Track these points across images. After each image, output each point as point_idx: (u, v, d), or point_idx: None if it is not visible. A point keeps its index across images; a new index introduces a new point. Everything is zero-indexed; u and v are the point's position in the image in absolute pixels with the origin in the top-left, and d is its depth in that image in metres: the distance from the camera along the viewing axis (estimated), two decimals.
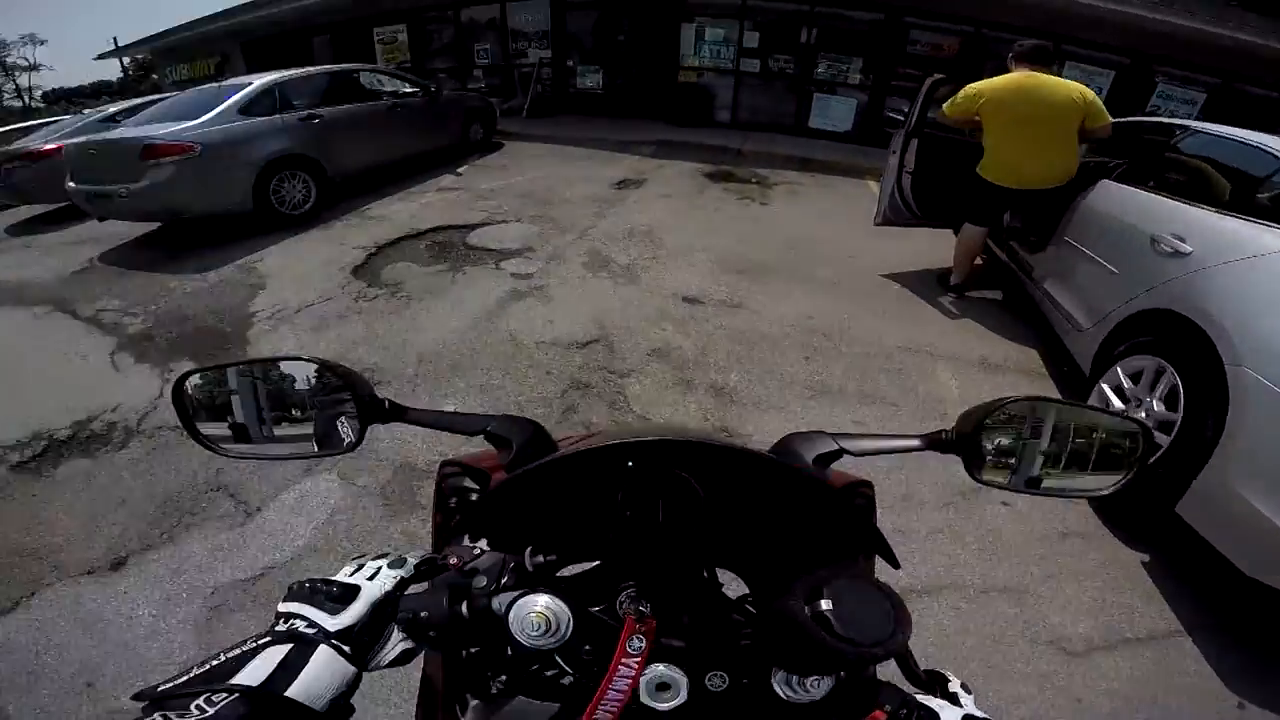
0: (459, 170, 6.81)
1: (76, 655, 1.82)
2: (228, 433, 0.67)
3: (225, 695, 0.38)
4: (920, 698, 0.47)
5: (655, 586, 0.51)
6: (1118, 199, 2.87)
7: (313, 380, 0.66)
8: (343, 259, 4.30)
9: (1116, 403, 2.28)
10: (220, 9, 13.89)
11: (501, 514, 0.54)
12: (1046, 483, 0.60)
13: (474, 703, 0.55)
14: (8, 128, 8.93)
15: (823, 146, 8.48)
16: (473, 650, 0.55)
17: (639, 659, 0.45)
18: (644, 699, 0.47)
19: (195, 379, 0.68)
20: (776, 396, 2.73)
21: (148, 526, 2.23)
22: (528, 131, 8.98)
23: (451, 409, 0.58)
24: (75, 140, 5.22)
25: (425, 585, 0.52)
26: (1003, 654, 1.71)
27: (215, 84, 5.69)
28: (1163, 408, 2.07)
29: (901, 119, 4.03)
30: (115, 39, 19.12)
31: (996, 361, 3.16)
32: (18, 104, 35.83)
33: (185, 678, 0.40)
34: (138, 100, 7.73)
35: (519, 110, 10.47)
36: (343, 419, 0.64)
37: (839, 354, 3.08)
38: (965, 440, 0.58)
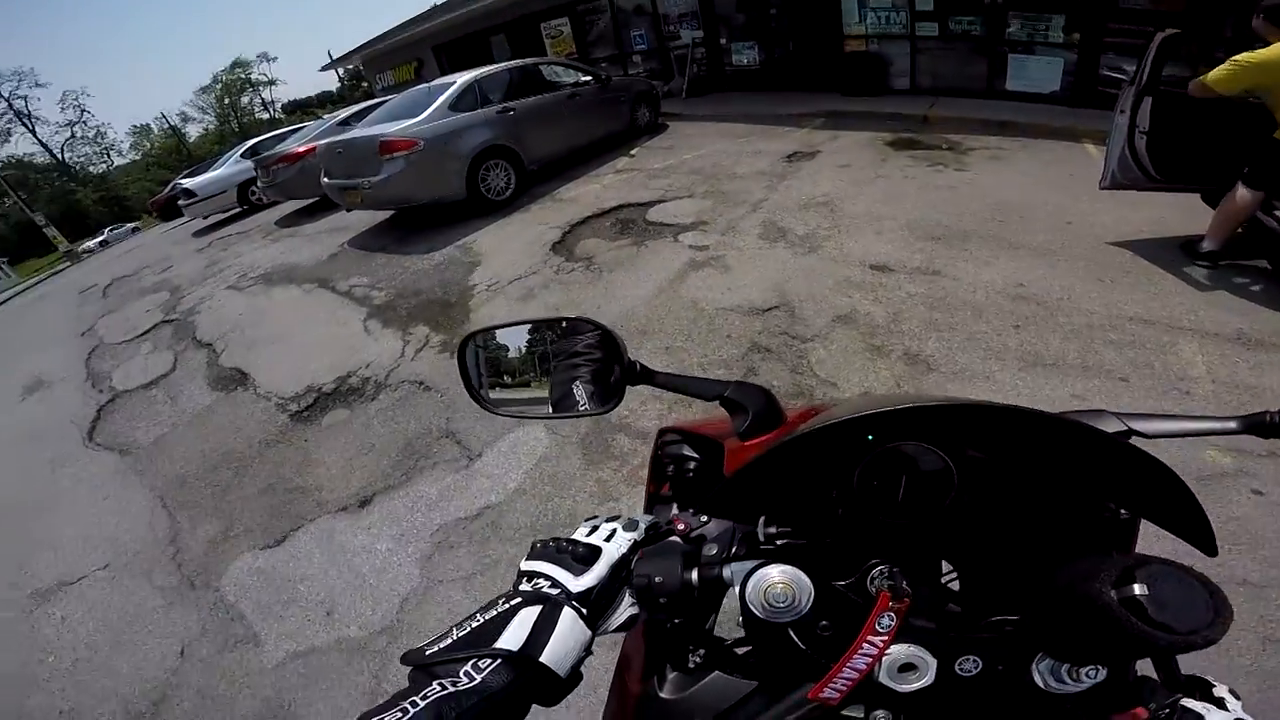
0: (631, 152, 7.31)
1: (323, 585, 2.39)
2: (501, 393, 0.75)
3: (490, 661, 0.40)
4: (1185, 701, 0.46)
5: (906, 567, 0.50)
6: None
7: (576, 339, 0.72)
8: (542, 238, 4.94)
9: None
10: (411, 16, 16.21)
11: (739, 493, 0.54)
12: None
13: (672, 675, 0.56)
14: (268, 135, 11.28)
15: (1025, 109, 7.73)
16: (676, 621, 0.56)
17: (886, 637, 0.44)
18: (882, 679, 0.47)
19: (477, 340, 0.76)
20: (981, 366, 2.70)
21: (390, 468, 2.85)
22: (689, 112, 9.30)
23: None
24: (325, 141, 6.49)
25: (654, 550, 0.54)
26: (1229, 649, 1.61)
27: (425, 85, 6.70)
28: None
29: (1125, 77, 3.70)
30: (330, 52, 22.93)
31: (1259, 337, 2.78)
32: (265, 115, 44.22)
33: (449, 641, 0.43)
34: (361, 105, 9.32)
35: (678, 92, 10.85)
36: (596, 380, 0.70)
37: (1055, 324, 2.92)
38: None
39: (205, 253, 8.63)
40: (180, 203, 10.73)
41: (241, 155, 10.67)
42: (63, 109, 41.81)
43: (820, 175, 5.54)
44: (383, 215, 6.74)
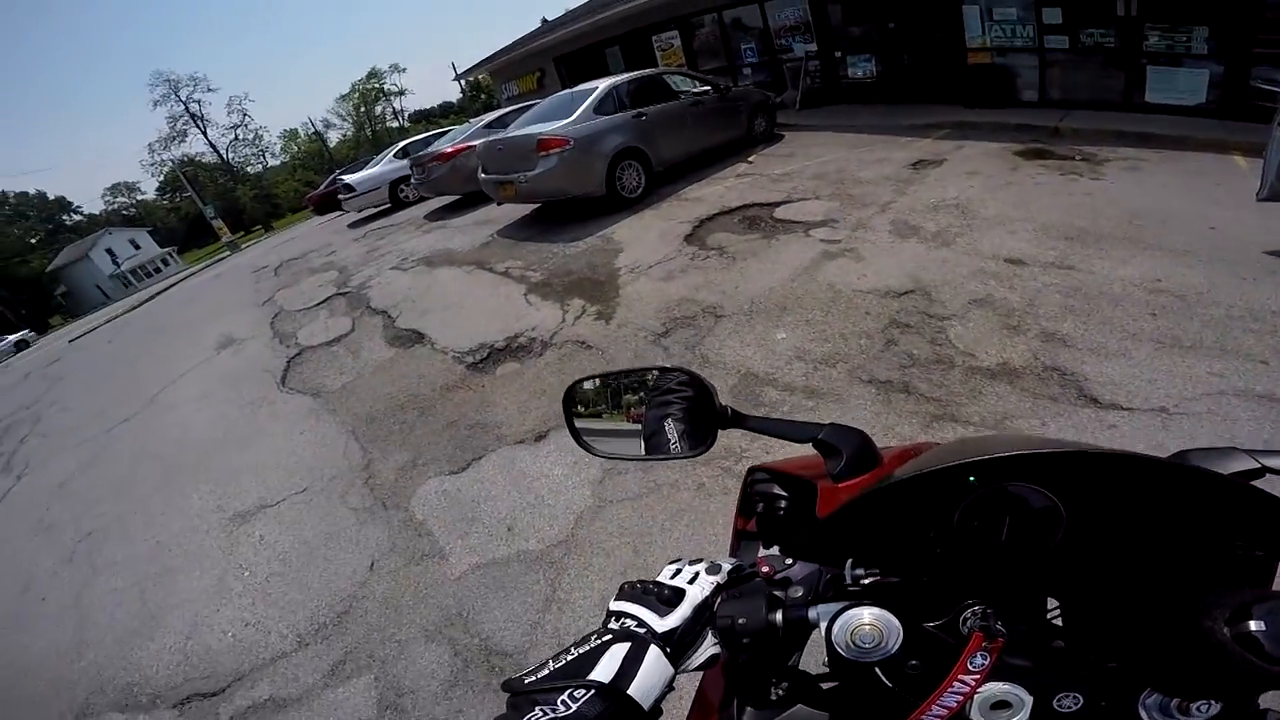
0: (750, 159, 7.74)
1: (504, 505, 2.76)
2: (599, 435, 0.81)
3: (585, 691, 0.43)
4: None
5: (1000, 605, 0.50)
6: None
7: (671, 387, 0.76)
8: (674, 230, 5.47)
9: None
10: (529, 30, 17.50)
11: (833, 535, 0.55)
12: None
13: (750, 709, 0.57)
14: (417, 138, 12.66)
15: (1167, 122, 7.45)
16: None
17: (979, 675, 0.45)
18: (974, 715, 0.48)
19: (583, 385, 0.83)
20: (1116, 345, 2.88)
21: (558, 411, 3.35)
22: (804, 123, 9.61)
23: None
24: (484, 140, 7.37)
25: (737, 592, 0.56)
26: None
27: (568, 90, 7.44)
28: None
29: (1277, 88, 3.70)
30: (454, 65, 25.06)
31: None
32: (395, 124, 48.46)
33: (546, 671, 0.46)
34: (500, 111, 10.35)
35: (791, 104, 11.14)
36: (682, 424, 0.74)
37: (1192, 314, 3.04)
38: None
39: (363, 241, 9.85)
40: (340, 197, 12.25)
41: (394, 155, 12.08)
42: (229, 113, 47.69)
43: (948, 181, 5.71)
44: (526, 210, 7.56)
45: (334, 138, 50.13)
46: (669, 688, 0.49)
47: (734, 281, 4.24)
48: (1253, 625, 0.39)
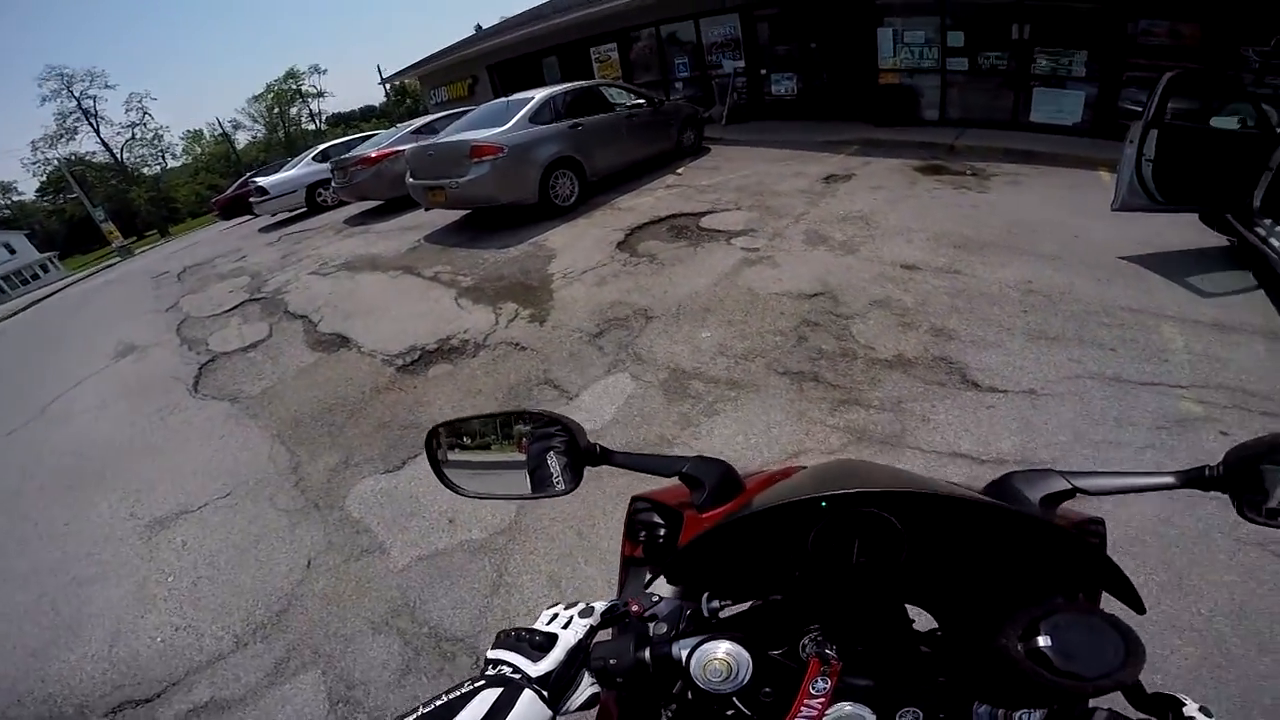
0: (678, 171, 8.08)
1: (444, 500, 2.76)
2: (468, 476, 0.82)
3: None
4: None
5: (842, 627, 0.53)
6: None
7: (537, 429, 0.79)
8: (607, 238, 5.67)
9: None
10: (462, 38, 17.36)
11: (693, 563, 0.57)
12: None
13: None
14: (339, 140, 12.29)
15: (1047, 140, 8.36)
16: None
17: (823, 699, 0.48)
18: None
19: (443, 431, 0.84)
20: (994, 338, 3.31)
21: (498, 407, 3.50)
22: (729, 137, 10.09)
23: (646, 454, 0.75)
24: (415, 145, 7.32)
25: (611, 632, 0.59)
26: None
27: (503, 99, 7.53)
28: None
29: (1139, 110, 4.31)
30: (380, 68, 24.39)
31: (1233, 324, 3.32)
32: (311, 126, 46.30)
33: (413, 716, 0.48)
34: (429, 117, 10.26)
35: (718, 118, 11.66)
36: (557, 462, 0.77)
37: (1057, 311, 3.53)
38: (1236, 476, 0.56)
39: (277, 246, 9.46)
40: (252, 199, 11.68)
41: (313, 159, 11.68)
42: (126, 110, 43.98)
43: (855, 195, 6.22)
44: (455, 216, 7.55)
45: (243, 139, 47.35)
46: None
47: (663, 286, 4.48)
48: (1040, 641, 0.42)
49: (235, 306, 6.61)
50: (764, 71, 11.67)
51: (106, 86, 47.65)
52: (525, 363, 3.80)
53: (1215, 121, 4.12)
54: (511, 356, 3.93)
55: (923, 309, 3.66)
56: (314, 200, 11.51)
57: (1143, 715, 0.49)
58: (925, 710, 0.50)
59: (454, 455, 0.84)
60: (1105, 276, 3.97)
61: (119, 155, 42.44)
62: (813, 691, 0.47)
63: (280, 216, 11.98)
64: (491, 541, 2.56)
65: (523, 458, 0.80)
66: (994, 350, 3.20)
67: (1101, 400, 2.78)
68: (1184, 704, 0.48)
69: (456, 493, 0.82)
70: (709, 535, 0.55)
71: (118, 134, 42.30)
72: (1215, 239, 4.33)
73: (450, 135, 6.95)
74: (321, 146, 12.12)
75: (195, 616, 2.59)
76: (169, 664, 2.41)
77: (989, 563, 0.54)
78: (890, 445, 2.63)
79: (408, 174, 7.10)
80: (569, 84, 7.71)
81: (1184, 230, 4.36)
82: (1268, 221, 3.72)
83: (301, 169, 11.66)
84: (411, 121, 10.42)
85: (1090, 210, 4.99)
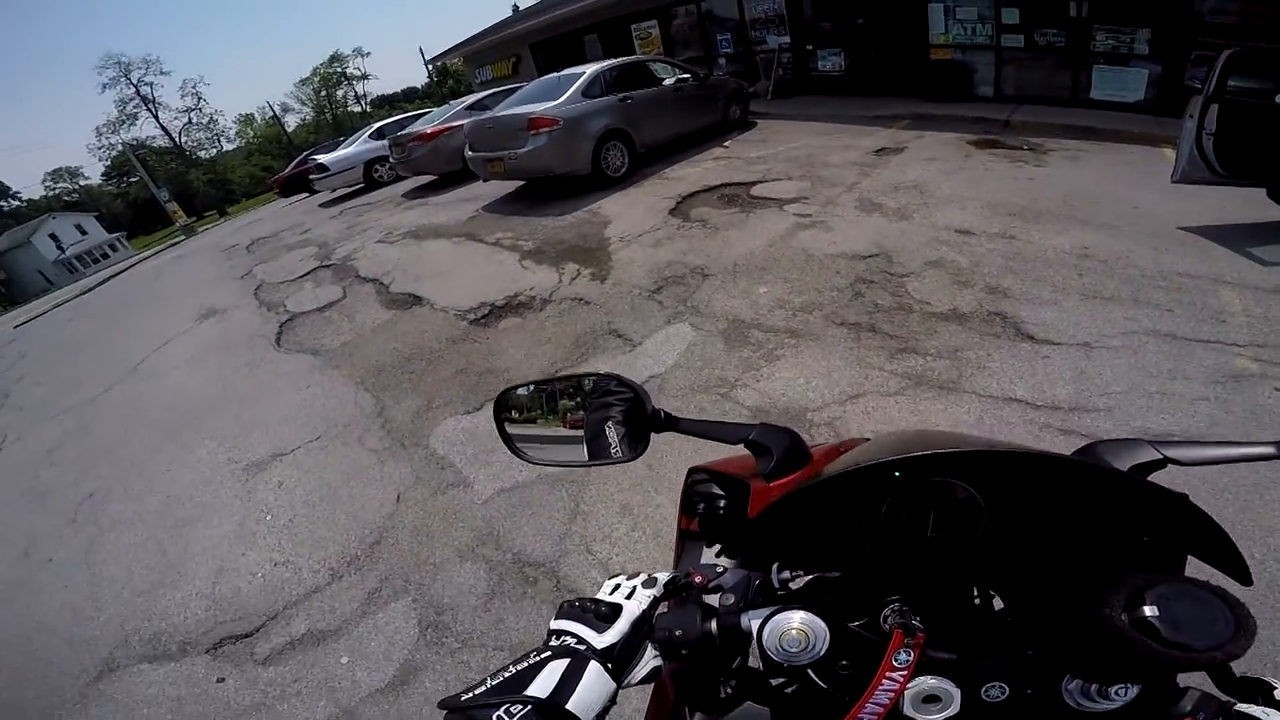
0: (725, 144, 8.17)
1: None
2: (533, 442, 0.81)
3: (521, 707, 0.45)
4: (1240, 706, 0.45)
5: (924, 599, 0.52)
6: None
7: (603, 394, 0.77)
8: (659, 205, 5.85)
9: None
10: (504, 17, 17.57)
11: (763, 533, 0.56)
12: None
13: (699, 714, 0.59)
14: (393, 119, 12.70)
15: (1109, 117, 8.15)
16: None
17: (905, 672, 0.47)
18: (908, 711, 0.49)
19: (515, 392, 0.83)
20: (1049, 296, 3.38)
21: (566, 354, 3.73)
22: (775, 111, 10.09)
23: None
24: (474, 119, 7.60)
25: (668, 605, 0.59)
26: None
27: (555, 74, 7.72)
28: None
29: (1200, 87, 4.29)
30: (421, 49, 24.78)
31: None
32: (356, 108, 47.52)
33: (483, 688, 0.47)
34: (479, 94, 10.54)
35: (763, 94, 11.63)
36: (615, 426, 0.75)
37: (1113, 274, 3.57)
38: None
39: (339, 219, 9.91)
40: (312, 176, 12.20)
41: (369, 136, 12.11)
42: (182, 96, 46.06)
43: (908, 166, 6.22)
44: (509, 188, 7.84)
45: (292, 122, 48.89)
46: (611, 703, 0.50)
47: (717, 248, 4.64)
48: (1147, 610, 0.40)
49: (308, 273, 7.02)
50: (810, 47, 11.57)
51: (162, 73, 49.88)
52: (589, 315, 4.03)
53: None
54: (576, 310, 4.16)
55: (977, 269, 3.74)
56: (371, 176, 11.97)
57: (1229, 698, 0.47)
58: (1011, 685, 0.48)
59: (520, 419, 0.84)
60: (1164, 245, 3.97)
61: (177, 139, 44.33)
62: (895, 664, 0.46)
63: (340, 192, 12.49)
64: (568, 474, 2.69)
65: (584, 425, 0.79)
66: (1049, 307, 3.28)
67: (1156, 355, 2.85)
68: (1275, 687, 0.47)
69: (522, 459, 0.82)
70: (785, 502, 0.53)
71: (175, 119, 44.26)
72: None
73: (508, 110, 7.19)
74: (377, 124, 12.55)
75: (293, 552, 2.74)
76: (269, 599, 2.54)
77: (1071, 533, 0.52)
78: (947, 390, 2.77)
79: (467, 147, 7.38)
80: (618, 59, 7.85)
81: (1249, 205, 4.27)
82: None
83: (359, 146, 12.11)
84: (463, 99, 10.71)
85: (1151, 184, 4.93)
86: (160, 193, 24.82)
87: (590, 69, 7.18)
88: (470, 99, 10.26)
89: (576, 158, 6.59)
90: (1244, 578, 0.49)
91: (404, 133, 9.81)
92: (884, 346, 3.14)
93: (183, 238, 20.80)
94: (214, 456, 3.74)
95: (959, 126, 7.83)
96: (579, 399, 0.81)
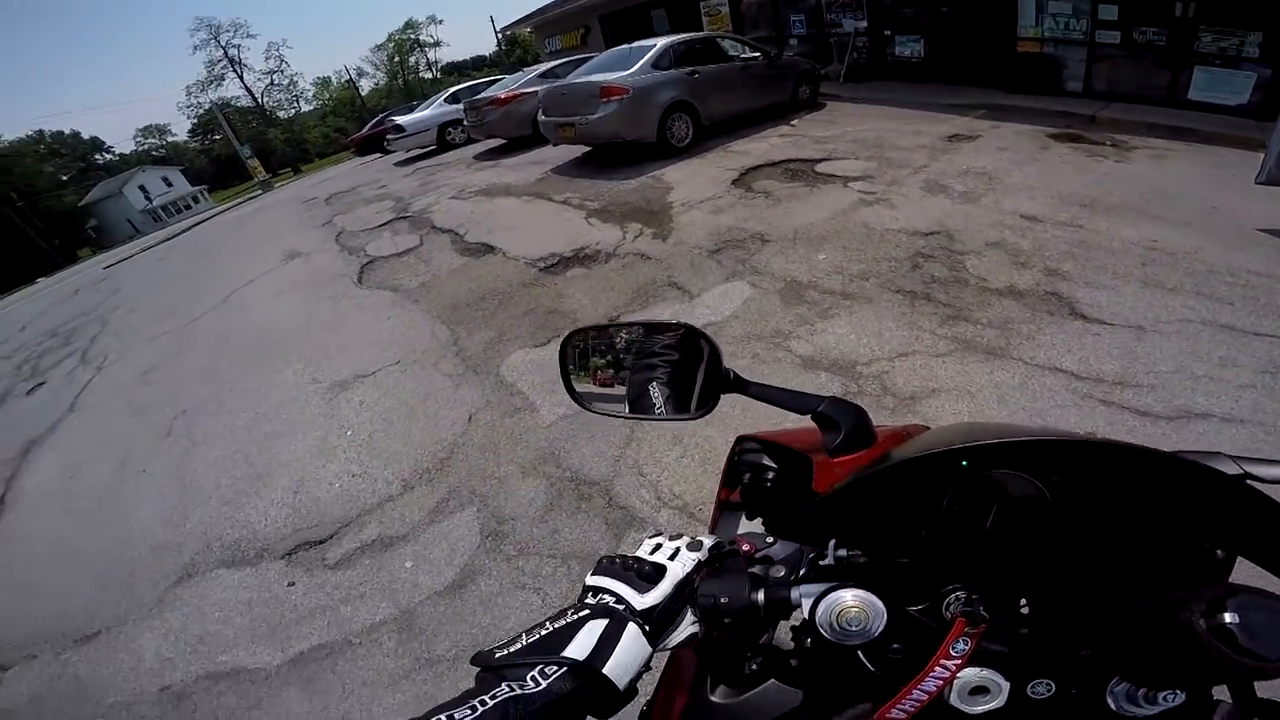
0: (792, 123, 8.22)
1: None
2: (598, 390, 0.79)
3: (556, 668, 0.44)
4: None
5: (987, 590, 0.51)
6: None
7: (671, 345, 0.75)
8: (722, 176, 6.03)
9: None
10: None
11: (830, 512, 0.55)
12: None
13: (723, 686, 0.59)
14: (467, 84, 13.19)
15: (1206, 119, 7.80)
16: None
17: (959, 661, 0.46)
18: (953, 700, 0.49)
19: (582, 336, 0.81)
20: (1108, 282, 3.42)
21: (628, 301, 3.98)
22: (847, 95, 10.02)
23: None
24: (548, 86, 7.92)
25: (709, 571, 0.57)
26: None
27: (625, 46, 7.93)
28: None
29: None
30: (493, 18, 25.29)
31: None
32: (428, 75, 48.96)
33: (518, 645, 0.46)
34: (553, 63, 10.85)
35: (835, 76, 11.52)
36: (673, 384, 0.74)
37: (1178, 267, 3.56)
38: None
39: (414, 177, 10.41)
40: (389, 137, 12.82)
41: (444, 100, 12.63)
42: (266, 58, 48.53)
43: (980, 154, 6.18)
44: (577, 153, 8.15)
45: (366, 86, 50.66)
46: (646, 667, 0.49)
47: (778, 217, 4.81)
48: (1227, 618, 0.41)
49: (385, 223, 7.49)
50: (888, 32, 11.37)
51: (249, 36, 52.76)
52: (651, 270, 4.28)
53: None
54: (638, 264, 4.42)
55: (1038, 253, 3.79)
56: (443, 139, 12.48)
57: (1256, 718, 0.48)
58: (1058, 683, 0.49)
59: (587, 365, 0.80)
60: (1237, 244, 3.91)
61: (259, 99, 46.66)
62: (952, 652, 0.46)
63: (413, 153, 13.07)
64: None
65: (650, 378, 0.76)
66: (1106, 291, 3.33)
67: (1209, 343, 2.89)
68: None
69: (582, 406, 0.80)
70: (861, 482, 0.53)
71: (258, 80, 46.61)
72: None
73: (580, 77, 7.46)
74: (452, 89, 13.08)
75: (370, 464, 2.95)
76: (344, 507, 2.73)
77: (1138, 535, 0.50)
78: (994, 355, 2.90)
79: (540, 112, 7.70)
80: (688, 34, 8.00)
81: None
82: None
83: (434, 110, 12.65)
84: (535, 66, 11.06)
85: (1236, 186, 4.81)
86: (243, 149, 26.25)
87: (661, 42, 7.36)
88: (542, 67, 10.59)
89: (643, 126, 6.81)
90: None
91: (479, 97, 10.20)
92: (936, 313, 3.27)
93: (260, 192, 22.02)
94: (299, 377, 4.09)
95: (1040, 119, 7.65)
96: (647, 349, 0.78)
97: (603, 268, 4.52)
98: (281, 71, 47.13)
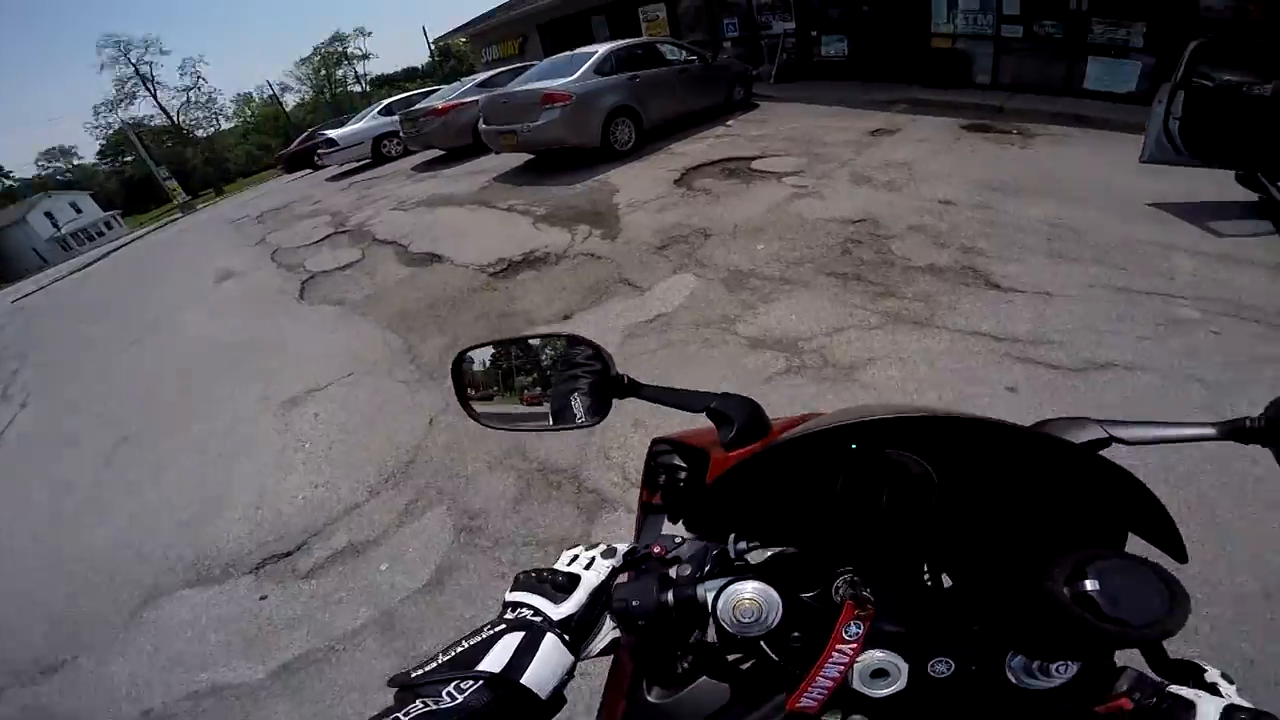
0: (728, 123, 8.56)
1: None
2: (494, 406, 0.81)
3: (472, 682, 0.44)
4: (1173, 688, 0.47)
5: (875, 572, 0.53)
6: None
7: (563, 355, 0.78)
8: (664, 176, 6.26)
9: None
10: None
11: (721, 502, 0.56)
12: None
13: (657, 688, 0.60)
14: (402, 95, 13.05)
15: (1100, 106, 8.51)
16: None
17: (855, 645, 0.47)
18: (856, 685, 0.49)
19: (473, 353, 0.82)
20: (1017, 255, 3.79)
21: (581, 299, 4.12)
22: (778, 94, 10.47)
23: (678, 387, 0.72)
24: (489, 94, 8.00)
25: (628, 575, 0.60)
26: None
27: (567, 53, 8.09)
28: None
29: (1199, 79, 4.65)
30: (424, 28, 24.94)
31: (1242, 258, 3.70)
32: (357, 88, 47.68)
33: (434, 664, 0.47)
34: (491, 72, 10.90)
35: (767, 77, 11.99)
36: (579, 394, 0.76)
37: (1079, 240, 3.98)
38: (1278, 428, 0.53)
39: (349, 191, 10.23)
40: (320, 151, 12.56)
41: (379, 112, 12.46)
42: (181, 75, 46.29)
43: (900, 146, 6.62)
44: (519, 161, 8.22)
45: (290, 101, 48.94)
46: (569, 675, 0.50)
47: (719, 213, 5.05)
48: (1088, 585, 0.41)
49: (324, 238, 7.37)
50: (814, 33, 11.92)
51: (162, 52, 50.24)
52: (601, 268, 4.43)
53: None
54: (589, 264, 4.57)
55: (955, 233, 4.15)
56: (379, 151, 12.30)
57: (1163, 680, 0.48)
58: (956, 660, 0.49)
59: (481, 383, 0.82)
60: (1130, 218, 4.37)
61: (175, 118, 44.48)
62: (845, 636, 0.47)
63: (347, 167, 12.81)
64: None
65: (548, 388, 0.79)
66: (1016, 264, 3.69)
67: (1107, 303, 3.26)
68: (1205, 670, 0.49)
69: (480, 424, 0.81)
70: (737, 471, 0.54)
71: (173, 98, 44.35)
72: (1245, 195, 4.63)
73: (522, 85, 7.56)
74: (386, 101, 12.94)
75: (332, 475, 2.93)
76: (310, 518, 2.71)
77: (1021, 509, 0.52)
78: (921, 325, 3.18)
79: (481, 121, 7.76)
80: (629, 40, 8.27)
81: (1217, 186, 4.66)
82: None
83: (368, 122, 12.46)
84: (474, 76, 11.06)
85: (1128, 167, 5.27)
86: (160, 170, 24.99)
87: (602, 48, 7.58)
88: (481, 76, 10.61)
89: (587, 131, 6.98)
90: (1180, 555, 0.50)
91: (416, 108, 10.16)
92: (867, 291, 3.56)
93: (180, 215, 21.02)
94: (247, 397, 3.99)
95: (953, 112, 8.22)
96: (541, 361, 0.81)
97: (553, 269, 4.64)
98: (198, 88, 44.99)
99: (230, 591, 2.51)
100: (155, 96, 43.01)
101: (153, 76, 42.63)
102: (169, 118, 43.94)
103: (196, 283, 7.40)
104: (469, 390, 0.82)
